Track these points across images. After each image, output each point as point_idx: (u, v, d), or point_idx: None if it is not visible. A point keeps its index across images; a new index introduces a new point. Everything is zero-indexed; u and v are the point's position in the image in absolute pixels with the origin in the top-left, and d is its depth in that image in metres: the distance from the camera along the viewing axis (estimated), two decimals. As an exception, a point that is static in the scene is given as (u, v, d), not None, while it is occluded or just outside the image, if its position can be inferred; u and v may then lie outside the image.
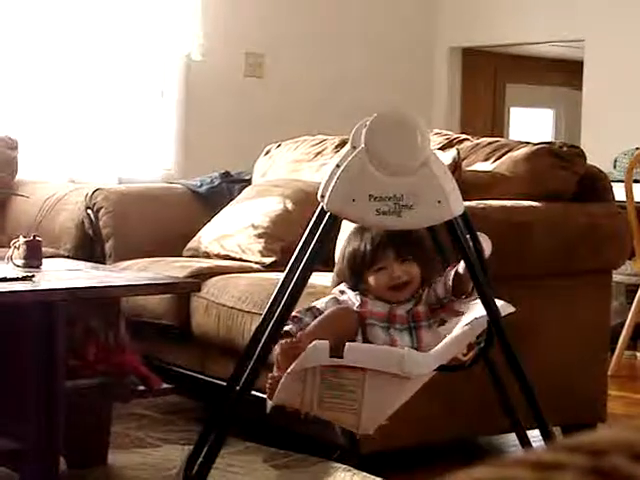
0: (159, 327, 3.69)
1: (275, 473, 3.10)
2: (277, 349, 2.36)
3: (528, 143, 3.60)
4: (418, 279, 2.47)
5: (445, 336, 2.37)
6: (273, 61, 6.09)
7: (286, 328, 2.40)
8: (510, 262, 3.11)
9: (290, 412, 2.36)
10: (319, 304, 2.48)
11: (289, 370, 2.27)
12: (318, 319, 2.40)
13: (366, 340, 2.42)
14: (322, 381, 2.28)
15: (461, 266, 2.36)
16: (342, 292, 2.52)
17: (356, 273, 2.48)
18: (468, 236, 2.38)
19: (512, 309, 2.47)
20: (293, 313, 2.44)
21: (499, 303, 2.44)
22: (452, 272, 2.39)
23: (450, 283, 2.39)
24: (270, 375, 2.37)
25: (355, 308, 2.46)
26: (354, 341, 2.37)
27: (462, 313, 2.42)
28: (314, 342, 2.28)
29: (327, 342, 2.26)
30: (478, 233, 2.39)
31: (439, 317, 2.45)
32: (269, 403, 2.37)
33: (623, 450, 0.55)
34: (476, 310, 2.39)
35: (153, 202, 4.25)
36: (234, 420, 2.47)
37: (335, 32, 6.32)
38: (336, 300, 2.50)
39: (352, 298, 2.49)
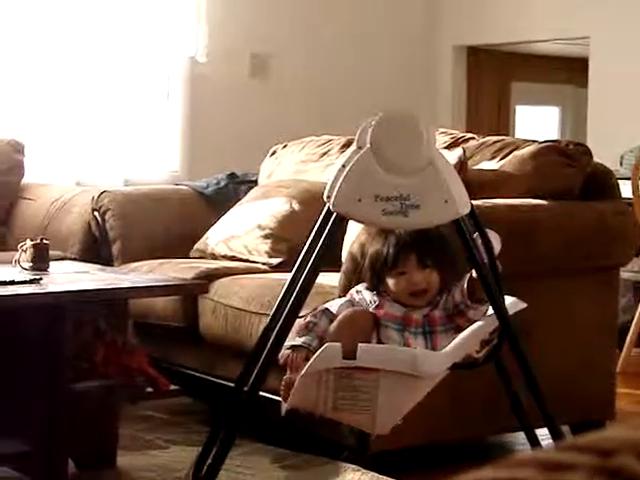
0: (167, 329, 3.69)
1: (284, 474, 3.10)
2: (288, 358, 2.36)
3: (534, 141, 3.59)
4: (437, 287, 2.46)
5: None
6: (278, 62, 6.09)
7: (299, 342, 2.39)
8: (517, 260, 3.10)
9: (305, 414, 2.36)
10: (333, 307, 2.47)
11: (302, 373, 2.26)
12: (333, 327, 2.39)
13: (379, 342, 2.41)
14: (336, 383, 2.28)
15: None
16: (358, 292, 2.52)
17: (377, 274, 2.48)
18: (477, 234, 2.37)
19: (523, 305, 2.47)
20: (308, 318, 2.43)
21: (510, 300, 2.44)
22: (467, 276, 2.38)
23: (465, 287, 2.38)
24: (284, 377, 2.37)
25: (371, 309, 2.46)
26: (368, 342, 2.37)
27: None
28: (326, 344, 2.27)
29: (339, 344, 2.26)
30: (487, 230, 2.38)
31: (455, 324, 2.44)
32: (284, 406, 2.37)
33: (631, 449, 0.55)
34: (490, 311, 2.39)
35: (159, 204, 4.25)
36: (243, 421, 2.47)
37: (340, 32, 6.31)
38: (350, 303, 2.49)
39: (368, 298, 2.48)
